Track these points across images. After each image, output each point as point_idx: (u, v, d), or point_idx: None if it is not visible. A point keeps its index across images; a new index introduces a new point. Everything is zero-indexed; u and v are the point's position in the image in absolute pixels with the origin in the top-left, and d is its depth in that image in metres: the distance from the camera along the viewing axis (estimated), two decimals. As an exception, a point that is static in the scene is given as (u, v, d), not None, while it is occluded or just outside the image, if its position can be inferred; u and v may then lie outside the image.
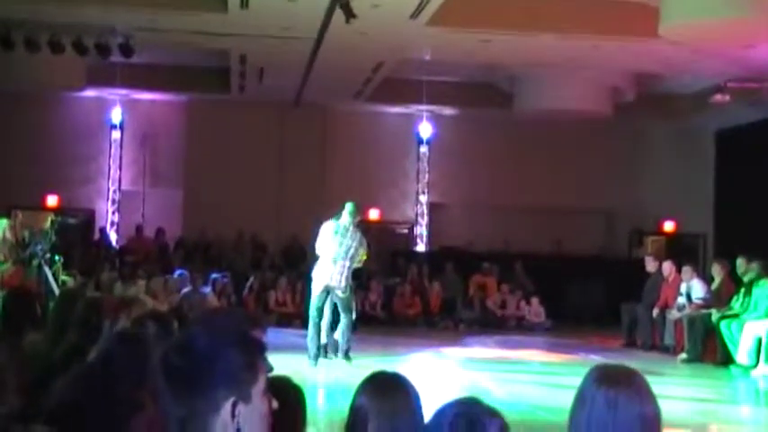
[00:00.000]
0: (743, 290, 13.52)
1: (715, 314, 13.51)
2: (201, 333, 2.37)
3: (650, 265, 15.97)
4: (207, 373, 2.29)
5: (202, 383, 2.28)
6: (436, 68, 18.33)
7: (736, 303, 13.52)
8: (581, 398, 2.59)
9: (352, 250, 11.65)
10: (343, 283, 11.58)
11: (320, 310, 11.77)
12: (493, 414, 2.65)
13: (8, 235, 12.60)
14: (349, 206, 11.87)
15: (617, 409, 2.52)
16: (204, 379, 2.28)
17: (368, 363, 11.41)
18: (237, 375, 2.30)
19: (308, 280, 12.43)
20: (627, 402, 2.53)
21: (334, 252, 11.57)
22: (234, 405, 2.28)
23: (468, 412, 2.64)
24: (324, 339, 12.05)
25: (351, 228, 11.77)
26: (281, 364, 3.67)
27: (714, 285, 14.41)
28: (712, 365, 13.23)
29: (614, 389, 2.55)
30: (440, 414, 2.68)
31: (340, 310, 11.79)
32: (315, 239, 11.84)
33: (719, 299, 14.01)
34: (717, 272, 14.49)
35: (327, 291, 11.66)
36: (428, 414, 2.95)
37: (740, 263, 13.76)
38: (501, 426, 2.64)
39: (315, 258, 11.98)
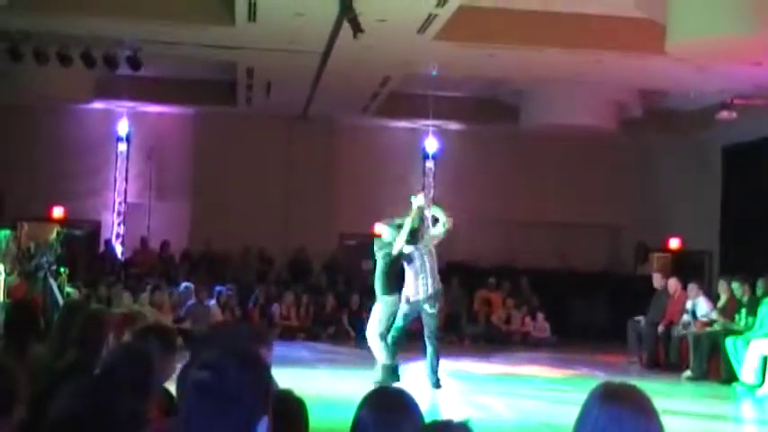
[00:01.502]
0: (744, 309, 13.51)
1: (719, 325, 13.52)
2: (228, 355, 2.39)
3: (658, 282, 15.92)
4: (239, 394, 2.32)
5: (236, 405, 2.31)
6: (443, 83, 18.33)
7: (741, 321, 13.49)
8: (584, 415, 2.58)
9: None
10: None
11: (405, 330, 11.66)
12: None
13: (11, 246, 12.60)
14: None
15: (620, 427, 2.50)
16: (236, 400, 2.32)
17: (372, 377, 11.41)
18: (265, 395, 2.34)
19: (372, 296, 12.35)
20: (630, 419, 2.51)
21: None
22: (262, 423, 2.32)
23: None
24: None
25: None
26: (285, 377, 3.67)
27: (720, 303, 14.37)
28: (717, 383, 13.20)
29: (618, 406, 2.53)
30: None
31: (428, 332, 11.57)
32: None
33: (725, 317, 13.98)
34: (723, 289, 14.47)
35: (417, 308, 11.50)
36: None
37: (736, 286, 13.82)
38: None
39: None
